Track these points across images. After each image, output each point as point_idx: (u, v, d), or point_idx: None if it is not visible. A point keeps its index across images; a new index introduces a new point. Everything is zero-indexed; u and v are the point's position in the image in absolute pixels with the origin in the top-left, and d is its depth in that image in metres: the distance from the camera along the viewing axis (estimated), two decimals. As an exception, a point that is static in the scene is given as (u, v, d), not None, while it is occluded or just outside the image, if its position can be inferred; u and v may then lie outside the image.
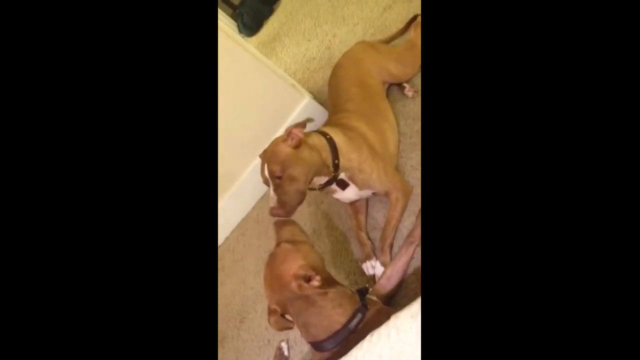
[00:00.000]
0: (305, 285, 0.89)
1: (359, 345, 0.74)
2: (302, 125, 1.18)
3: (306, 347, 1.31)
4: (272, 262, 0.98)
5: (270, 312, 0.97)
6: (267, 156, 1.16)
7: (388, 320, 0.72)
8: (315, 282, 0.89)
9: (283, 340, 1.36)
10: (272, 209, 1.11)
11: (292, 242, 1.01)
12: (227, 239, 1.92)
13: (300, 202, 1.14)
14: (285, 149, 1.15)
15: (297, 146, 1.15)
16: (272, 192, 1.12)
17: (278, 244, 1.02)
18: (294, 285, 0.90)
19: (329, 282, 0.95)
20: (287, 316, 0.97)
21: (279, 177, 1.12)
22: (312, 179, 1.17)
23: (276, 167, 1.12)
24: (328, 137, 1.23)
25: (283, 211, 1.10)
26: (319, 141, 1.21)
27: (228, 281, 1.76)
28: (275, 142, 1.19)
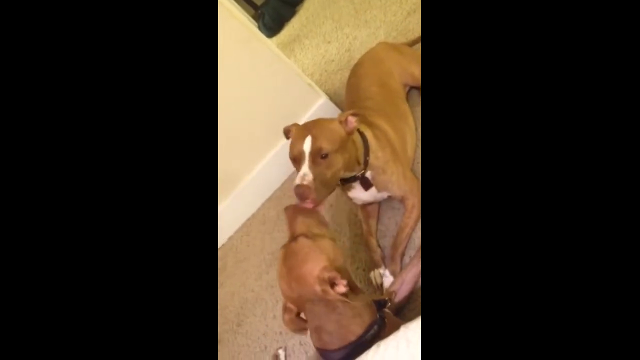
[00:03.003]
0: (331, 291, 0.79)
1: (364, 355, 0.66)
2: (358, 115, 1.09)
3: (304, 358, 1.24)
4: (291, 260, 0.86)
5: (286, 310, 0.89)
6: (317, 131, 1.02)
7: (397, 331, 0.64)
8: (342, 288, 0.80)
9: (280, 348, 1.29)
10: (300, 186, 0.95)
11: (311, 236, 0.88)
12: (230, 238, 1.86)
13: (330, 193, 1.03)
14: (341, 131, 1.05)
15: (349, 134, 1.07)
16: (306, 169, 0.98)
17: (294, 238, 0.89)
18: (317, 289, 0.80)
19: (352, 286, 0.85)
20: (303, 315, 0.88)
21: (324, 157, 1.00)
22: (344, 174, 1.09)
23: (327, 145, 1.00)
24: (360, 131, 1.16)
25: (315, 195, 0.95)
26: (358, 139, 1.13)
27: (228, 282, 1.69)
28: (329, 121, 1.08)
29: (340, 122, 1.06)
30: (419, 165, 1.33)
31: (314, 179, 0.97)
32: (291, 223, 0.93)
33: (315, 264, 0.83)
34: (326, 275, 0.80)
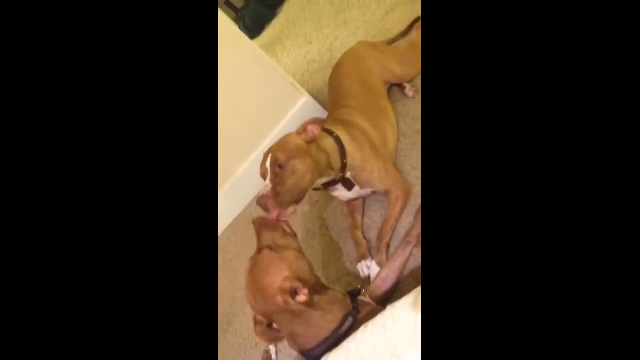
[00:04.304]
0: (292, 301, 0.82)
1: (351, 337, 0.68)
2: (319, 122, 1.12)
3: (294, 352, 1.25)
4: (255, 272, 0.90)
5: (256, 322, 0.91)
6: (275, 146, 1.09)
7: (383, 311, 0.66)
8: (302, 297, 0.82)
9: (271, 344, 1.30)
10: (262, 197, 1.00)
11: (275, 248, 0.93)
12: (218, 238, 1.86)
13: (297, 201, 1.06)
14: (297, 140, 1.09)
15: (309, 142, 1.10)
16: (267, 181, 1.04)
17: (260, 250, 0.94)
18: (279, 299, 0.83)
19: (317, 290, 0.89)
20: (275, 326, 0.91)
21: (281, 167, 1.04)
22: (315, 180, 1.11)
23: (281, 155, 1.05)
24: (335, 135, 1.18)
25: (274, 202, 1.00)
26: (329, 144, 1.16)
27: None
28: (287, 135, 1.13)
29: (299, 133, 1.11)
30: (401, 159, 1.36)
31: (273, 188, 1.01)
32: (258, 235, 0.98)
33: (277, 275, 0.86)
34: (287, 285, 0.83)
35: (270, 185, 1.02)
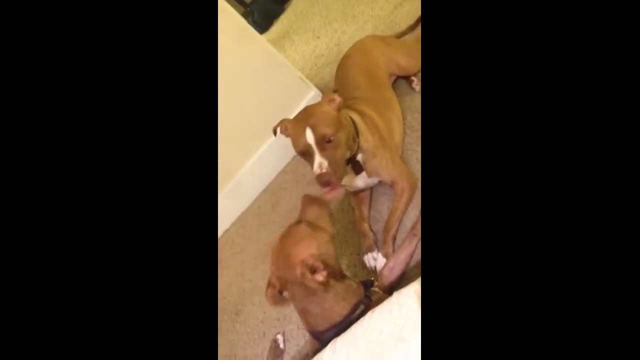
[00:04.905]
0: (309, 276, 0.85)
1: (359, 322, 0.70)
2: (337, 91, 1.14)
3: (302, 341, 1.27)
4: (286, 239, 0.94)
5: (269, 284, 0.95)
6: (313, 120, 1.07)
7: (390, 297, 0.68)
8: (319, 277, 0.85)
9: (279, 333, 1.33)
10: (322, 175, 1.01)
11: (314, 226, 0.96)
12: (226, 231, 1.88)
13: (345, 170, 1.09)
14: (333, 111, 1.09)
15: (338, 111, 1.11)
16: (319, 158, 1.04)
17: (298, 222, 0.97)
18: (298, 271, 0.86)
19: (335, 276, 0.91)
20: (285, 293, 0.94)
21: (329, 141, 1.04)
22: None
23: (328, 129, 1.04)
24: (349, 116, 1.21)
25: (336, 177, 1.01)
26: (347, 119, 1.17)
27: (225, 273, 1.72)
28: (318, 106, 1.12)
29: (329, 101, 1.12)
30: (408, 152, 1.37)
31: (329, 164, 1.03)
32: (303, 209, 1.00)
33: (305, 249, 0.89)
34: (310, 261, 0.86)
35: (325, 162, 1.03)
